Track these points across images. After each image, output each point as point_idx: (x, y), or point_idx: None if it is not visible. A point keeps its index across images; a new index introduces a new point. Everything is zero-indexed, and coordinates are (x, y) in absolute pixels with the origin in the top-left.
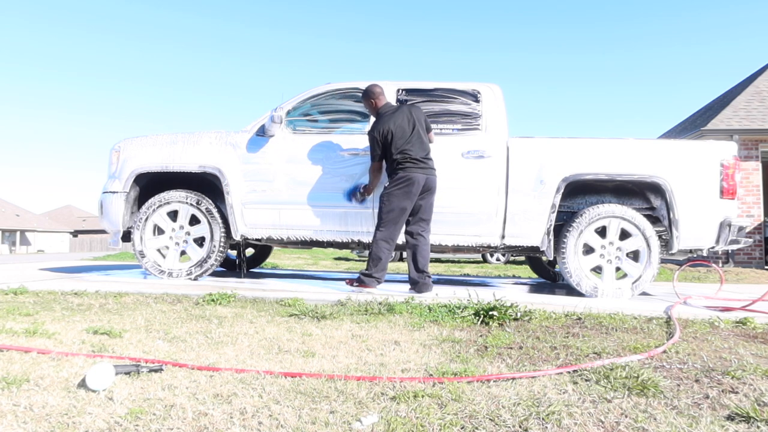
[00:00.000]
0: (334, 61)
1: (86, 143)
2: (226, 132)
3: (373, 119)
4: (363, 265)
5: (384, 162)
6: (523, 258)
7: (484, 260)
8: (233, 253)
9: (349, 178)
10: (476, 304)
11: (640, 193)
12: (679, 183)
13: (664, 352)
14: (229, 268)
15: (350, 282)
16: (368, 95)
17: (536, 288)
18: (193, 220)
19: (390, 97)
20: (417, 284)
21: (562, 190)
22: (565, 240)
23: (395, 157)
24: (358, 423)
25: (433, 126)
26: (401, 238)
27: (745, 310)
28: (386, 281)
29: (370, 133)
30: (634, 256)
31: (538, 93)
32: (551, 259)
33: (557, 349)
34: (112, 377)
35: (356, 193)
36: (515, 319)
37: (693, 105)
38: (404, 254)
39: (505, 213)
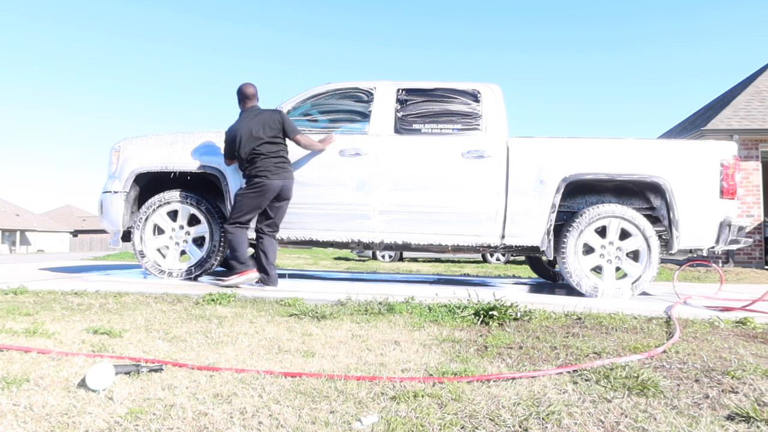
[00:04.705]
0: (334, 61)
1: (86, 143)
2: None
3: (372, 118)
4: (363, 265)
5: (236, 161)
6: (523, 258)
7: (484, 260)
8: None
9: (349, 178)
10: (476, 304)
11: (640, 193)
12: (679, 183)
13: (664, 352)
14: (229, 268)
15: (219, 279)
16: (238, 94)
17: (536, 288)
18: (193, 220)
19: (390, 97)
20: (269, 275)
21: (562, 190)
22: (565, 240)
23: (246, 159)
24: (358, 423)
25: (432, 126)
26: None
27: (745, 310)
28: (387, 281)
29: (226, 132)
30: (634, 256)
31: (538, 93)
32: (551, 259)
33: (557, 349)
34: (112, 377)
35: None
36: (515, 319)
37: (693, 105)
38: (404, 254)
39: (505, 213)
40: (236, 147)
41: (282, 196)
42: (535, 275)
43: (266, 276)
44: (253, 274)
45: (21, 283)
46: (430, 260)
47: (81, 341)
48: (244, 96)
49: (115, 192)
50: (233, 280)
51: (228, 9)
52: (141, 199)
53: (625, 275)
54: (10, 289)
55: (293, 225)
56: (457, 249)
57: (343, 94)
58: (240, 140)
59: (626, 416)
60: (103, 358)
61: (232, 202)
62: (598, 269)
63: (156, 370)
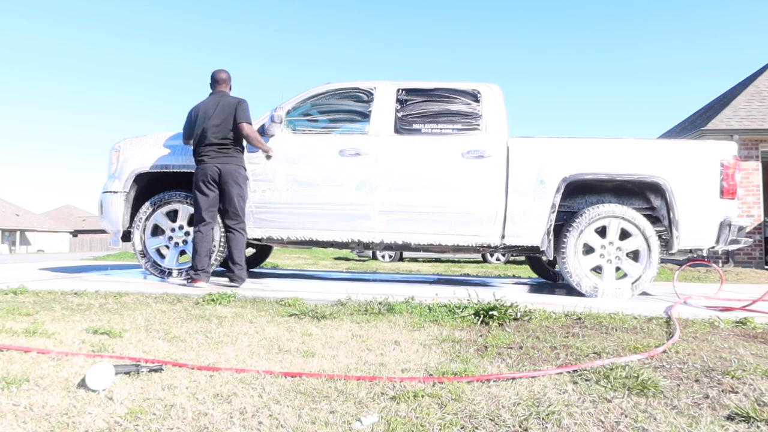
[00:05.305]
0: (334, 61)
1: (86, 143)
2: None
3: (372, 118)
4: (363, 265)
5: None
6: (523, 258)
7: (484, 260)
8: None
9: (349, 178)
10: (476, 304)
11: (640, 193)
12: (679, 183)
13: (664, 352)
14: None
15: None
16: (210, 78)
17: (536, 288)
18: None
19: (390, 97)
20: (233, 273)
21: (562, 190)
22: (565, 240)
23: (195, 142)
24: (358, 423)
25: (432, 126)
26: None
27: (745, 310)
28: (386, 281)
29: (188, 112)
30: (634, 256)
31: (538, 93)
32: (551, 259)
33: (557, 349)
34: (112, 377)
35: None
36: (515, 319)
37: (693, 105)
38: (404, 254)
39: (505, 213)
40: (190, 126)
41: (225, 181)
42: (535, 275)
43: (231, 273)
44: (202, 283)
45: (21, 283)
46: (430, 260)
47: (81, 341)
48: (213, 80)
49: (115, 192)
50: (181, 282)
51: (228, 9)
52: (141, 199)
53: (625, 275)
54: (10, 289)
55: (293, 225)
56: (457, 249)
57: (343, 94)
58: (194, 120)
59: (626, 416)
60: (103, 358)
61: None
62: (598, 269)
63: (156, 370)
